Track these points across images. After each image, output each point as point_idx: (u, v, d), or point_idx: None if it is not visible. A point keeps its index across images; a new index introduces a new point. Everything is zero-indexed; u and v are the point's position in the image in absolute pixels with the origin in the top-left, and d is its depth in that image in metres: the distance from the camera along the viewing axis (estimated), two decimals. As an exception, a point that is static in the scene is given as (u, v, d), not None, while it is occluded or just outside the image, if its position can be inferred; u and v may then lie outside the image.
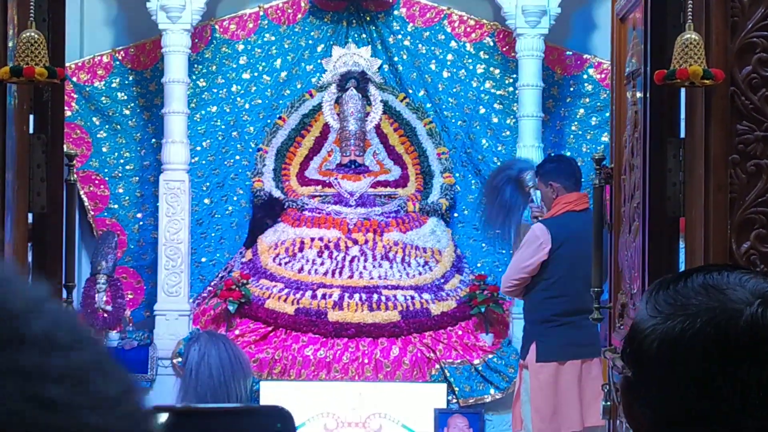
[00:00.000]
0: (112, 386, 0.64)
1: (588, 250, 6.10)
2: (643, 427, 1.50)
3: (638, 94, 4.14)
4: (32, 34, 3.88)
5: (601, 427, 6.24)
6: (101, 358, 0.64)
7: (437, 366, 7.40)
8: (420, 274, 7.91)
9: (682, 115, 3.95)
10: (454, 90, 8.48)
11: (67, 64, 6.20)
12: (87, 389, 0.62)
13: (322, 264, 7.92)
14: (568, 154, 7.98)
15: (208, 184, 8.35)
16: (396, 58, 8.57)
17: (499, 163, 8.30)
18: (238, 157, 8.46)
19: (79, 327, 0.66)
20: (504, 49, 8.36)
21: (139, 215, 8.26)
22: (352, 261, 7.92)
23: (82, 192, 8.05)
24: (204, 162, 8.34)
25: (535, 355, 6.33)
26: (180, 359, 7.42)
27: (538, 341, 6.33)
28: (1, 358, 0.62)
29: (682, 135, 3.90)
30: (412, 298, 7.67)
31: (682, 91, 3.87)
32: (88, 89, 8.20)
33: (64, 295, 4.46)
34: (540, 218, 6.73)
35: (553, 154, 7.53)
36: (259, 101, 8.49)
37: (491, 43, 8.43)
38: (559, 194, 6.53)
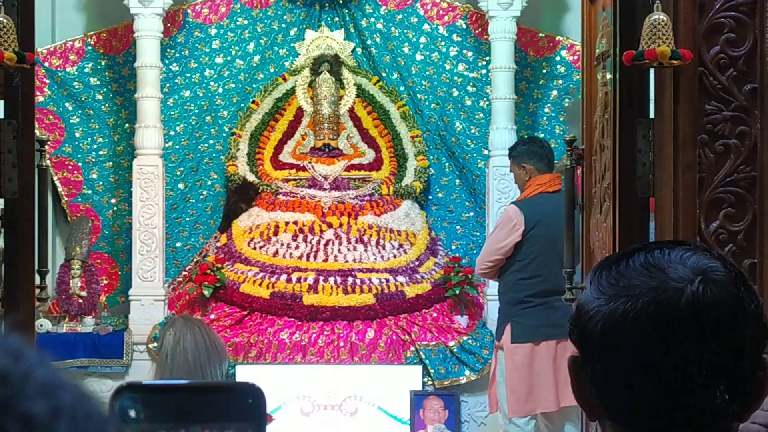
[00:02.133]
0: None
1: (562, 231, 6.13)
2: (591, 407, 1.52)
3: (608, 76, 4.16)
4: (1, 18, 3.87)
5: (576, 407, 6.27)
6: None
7: (412, 348, 7.42)
8: (394, 256, 7.92)
9: (652, 96, 3.97)
10: (428, 73, 8.48)
11: (38, 50, 6.19)
12: None
13: (296, 248, 7.93)
14: (542, 136, 7.99)
15: (182, 168, 8.34)
16: (369, 42, 8.56)
17: (472, 146, 8.32)
18: (211, 142, 8.45)
19: None
20: (477, 31, 8.37)
21: (113, 200, 8.24)
22: (326, 244, 7.93)
23: (55, 177, 8.03)
24: (178, 147, 8.33)
25: (510, 336, 6.35)
26: (155, 344, 7.42)
27: (513, 322, 6.35)
28: None
29: (652, 115, 3.92)
30: (387, 281, 7.68)
31: (651, 71, 3.89)
32: (60, 74, 8.17)
33: (38, 280, 4.46)
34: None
35: (526, 136, 7.54)
36: (233, 85, 8.47)
37: (464, 26, 8.43)
38: (532, 176, 6.55)
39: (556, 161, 7.46)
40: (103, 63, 8.25)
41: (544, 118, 8.33)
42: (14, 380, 0.59)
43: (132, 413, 0.80)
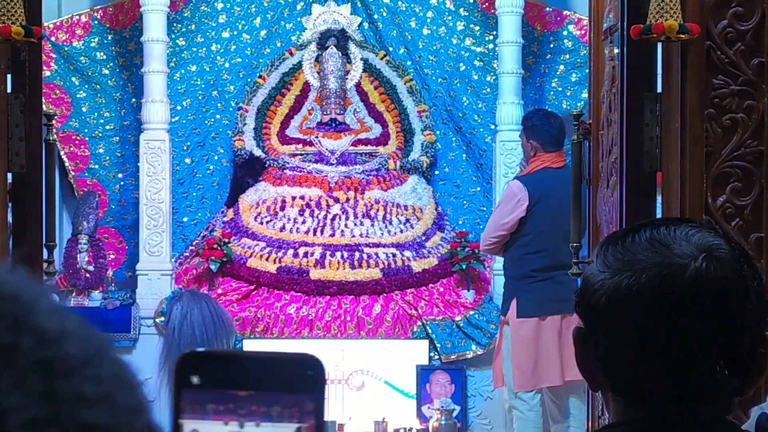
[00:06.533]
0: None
1: (566, 206, 6.13)
2: (594, 378, 1.54)
3: (615, 50, 4.15)
4: (8, -7, 3.86)
5: (581, 382, 6.28)
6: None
7: (419, 323, 7.44)
8: (401, 231, 7.93)
9: (659, 70, 3.96)
10: (435, 47, 8.46)
11: (45, 24, 6.19)
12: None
13: (303, 222, 7.93)
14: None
15: (188, 143, 8.34)
16: (376, 16, 8.55)
17: (479, 120, 8.31)
18: (218, 116, 8.45)
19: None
20: (484, 5, 8.35)
21: (119, 175, 8.25)
22: (333, 219, 7.94)
23: (62, 152, 8.03)
24: (184, 121, 8.32)
25: (515, 310, 6.36)
26: (162, 318, 7.44)
27: (519, 297, 6.37)
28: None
29: (659, 90, 3.91)
30: (394, 255, 7.69)
31: (659, 46, 3.88)
32: (66, 49, 8.16)
33: (45, 254, 4.47)
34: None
35: (547, 110, 7.26)
36: (239, 60, 8.46)
37: (471, 0, 8.41)
38: (538, 152, 6.56)
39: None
40: (109, 37, 8.24)
41: (551, 92, 8.31)
42: (26, 299, 0.64)
43: (194, 380, 0.83)
